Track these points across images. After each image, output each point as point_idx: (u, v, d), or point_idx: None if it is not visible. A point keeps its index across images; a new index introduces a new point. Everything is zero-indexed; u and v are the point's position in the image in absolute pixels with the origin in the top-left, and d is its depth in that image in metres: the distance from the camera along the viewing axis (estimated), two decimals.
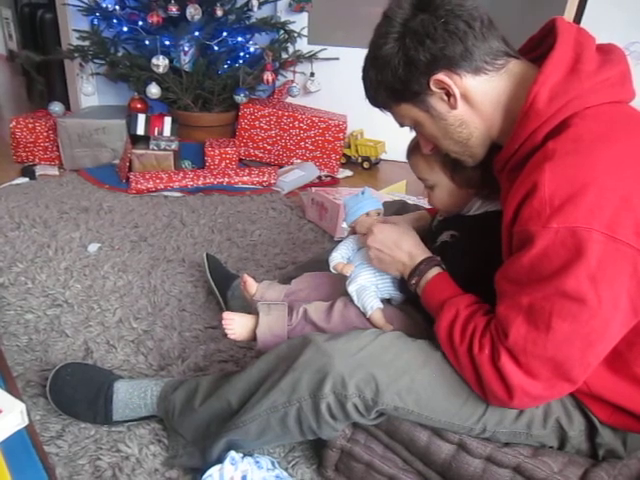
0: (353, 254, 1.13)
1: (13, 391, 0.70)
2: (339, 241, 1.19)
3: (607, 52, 0.82)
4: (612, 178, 0.71)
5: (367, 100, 0.94)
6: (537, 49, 0.89)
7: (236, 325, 1.13)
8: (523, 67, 0.84)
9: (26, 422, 0.65)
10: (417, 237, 1.04)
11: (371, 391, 0.88)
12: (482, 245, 0.93)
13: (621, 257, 0.70)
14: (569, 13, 2.49)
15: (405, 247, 1.00)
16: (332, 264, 1.12)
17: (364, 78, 0.92)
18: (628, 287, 0.72)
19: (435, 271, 0.96)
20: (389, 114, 0.95)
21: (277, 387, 0.93)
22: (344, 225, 1.95)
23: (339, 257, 1.12)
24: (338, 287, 1.15)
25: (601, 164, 0.72)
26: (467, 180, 0.99)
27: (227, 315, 1.13)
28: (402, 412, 0.90)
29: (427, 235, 1.09)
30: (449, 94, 0.83)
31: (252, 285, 1.26)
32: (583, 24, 2.42)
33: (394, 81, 0.85)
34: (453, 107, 0.85)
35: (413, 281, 0.97)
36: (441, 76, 0.81)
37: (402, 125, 0.95)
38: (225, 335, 1.14)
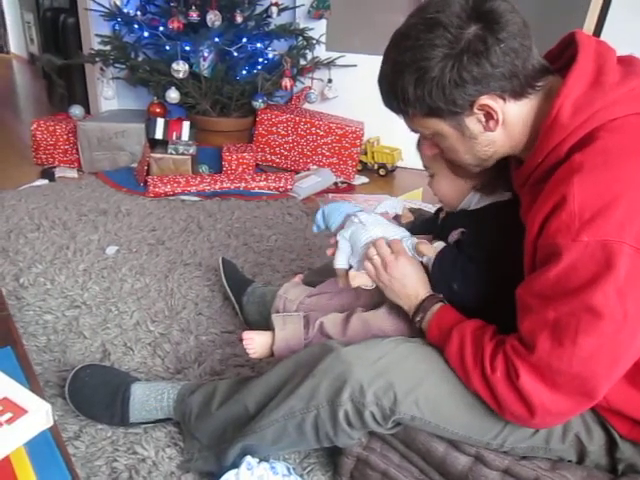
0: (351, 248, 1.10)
1: (37, 391, 0.70)
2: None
3: (628, 64, 0.81)
4: None
5: (383, 104, 0.87)
6: (555, 62, 0.87)
7: (256, 344, 1.14)
8: (552, 82, 0.82)
9: (51, 422, 0.66)
10: (423, 273, 1.01)
11: (389, 400, 0.87)
12: (493, 235, 0.95)
13: None
14: (590, 23, 2.47)
15: (411, 284, 0.99)
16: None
17: (391, 84, 0.83)
18: None
19: (438, 306, 0.95)
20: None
21: (295, 393, 0.93)
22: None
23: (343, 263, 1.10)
24: (360, 295, 1.15)
25: (631, 177, 0.71)
26: (469, 173, 0.99)
27: (246, 335, 1.14)
28: (419, 422, 0.90)
29: (435, 232, 1.11)
30: (489, 116, 0.81)
31: None
32: (604, 35, 2.41)
33: (437, 99, 0.79)
34: (490, 130, 0.82)
35: (418, 318, 0.96)
36: (488, 100, 0.78)
37: (416, 132, 0.91)
38: (247, 355, 1.15)
